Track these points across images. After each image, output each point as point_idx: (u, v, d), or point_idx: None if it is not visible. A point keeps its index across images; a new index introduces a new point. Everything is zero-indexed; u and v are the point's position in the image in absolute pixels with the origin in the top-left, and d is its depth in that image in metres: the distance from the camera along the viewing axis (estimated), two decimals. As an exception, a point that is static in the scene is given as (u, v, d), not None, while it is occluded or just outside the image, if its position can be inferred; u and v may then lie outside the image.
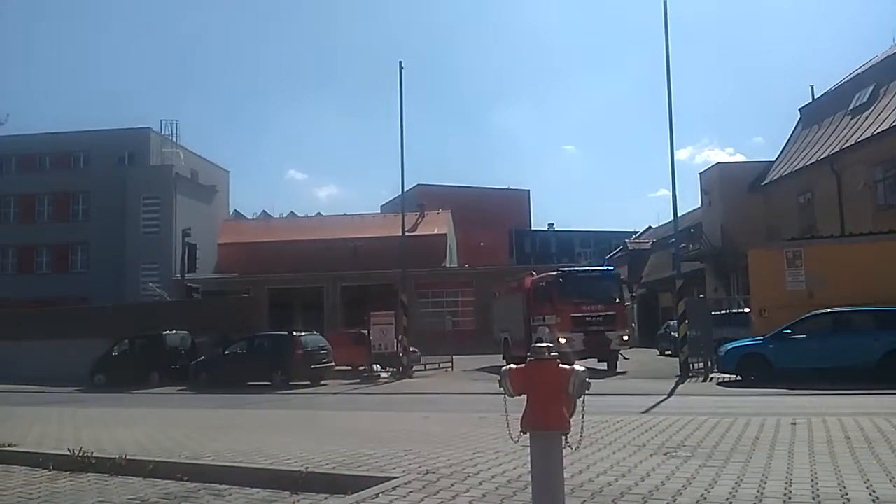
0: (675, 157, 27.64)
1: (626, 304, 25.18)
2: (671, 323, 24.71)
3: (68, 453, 6.98)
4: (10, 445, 7.64)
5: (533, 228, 73.81)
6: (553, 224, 74.64)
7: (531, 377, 3.58)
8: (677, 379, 17.47)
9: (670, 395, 14.37)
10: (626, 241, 54.35)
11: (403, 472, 5.70)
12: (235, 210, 61.98)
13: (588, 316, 21.30)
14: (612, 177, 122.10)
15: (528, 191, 78.78)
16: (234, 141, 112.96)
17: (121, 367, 24.05)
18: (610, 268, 25.67)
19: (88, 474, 6.63)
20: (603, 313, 21.46)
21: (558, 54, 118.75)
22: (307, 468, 5.99)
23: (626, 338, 22.07)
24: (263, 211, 65.35)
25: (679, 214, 21.18)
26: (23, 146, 44.99)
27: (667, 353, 26.61)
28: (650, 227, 57.51)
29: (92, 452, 6.92)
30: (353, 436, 8.00)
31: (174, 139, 50.41)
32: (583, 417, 3.57)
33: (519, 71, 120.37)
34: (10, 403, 15.64)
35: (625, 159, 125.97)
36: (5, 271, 45.77)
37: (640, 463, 5.86)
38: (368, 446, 7.08)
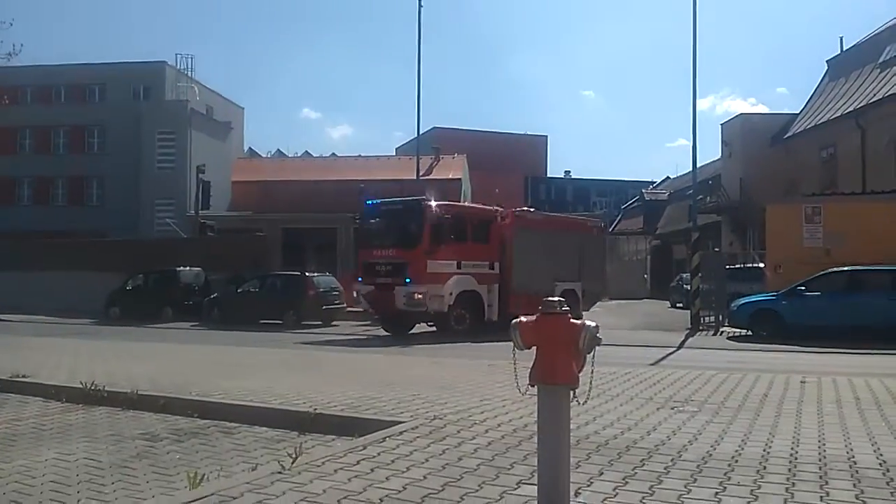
0: (696, 107, 27.05)
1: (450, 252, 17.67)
2: (684, 275, 24.64)
3: (81, 386, 7.08)
4: (24, 376, 7.77)
5: (549, 176, 73.19)
6: (570, 172, 74.11)
7: (541, 330, 3.53)
8: (688, 332, 17.49)
9: (680, 347, 14.40)
10: (643, 191, 53.93)
11: (411, 416, 5.73)
12: (250, 148, 61.79)
13: (378, 264, 17.52)
14: (630, 125, 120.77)
15: (546, 137, 77.82)
16: (249, 77, 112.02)
17: (135, 301, 24.40)
18: (421, 198, 18.63)
19: (101, 408, 6.73)
20: (392, 261, 17.25)
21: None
22: (316, 409, 6.04)
23: (419, 297, 16.58)
24: (278, 149, 65.24)
25: (698, 166, 20.88)
26: (38, 77, 44.63)
27: (678, 305, 26.61)
28: (668, 177, 56.95)
29: (104, 386, 7.01)
30: (361, 378, 8.07)
31: (189, 74, 49.90)
32: (592, 373, 3.53)
33: (540, 14, 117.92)
34: (25, 334, 15.92)
35: (644, 107, 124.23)
36: (21, 202, 46.02)
37: (647, 416, 5.87)
38: (376, 389, 7.14)
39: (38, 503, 4.03)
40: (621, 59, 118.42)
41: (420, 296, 16.76)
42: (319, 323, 21.04)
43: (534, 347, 3.59)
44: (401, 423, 5.49)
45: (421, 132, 26.02)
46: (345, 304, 22.18)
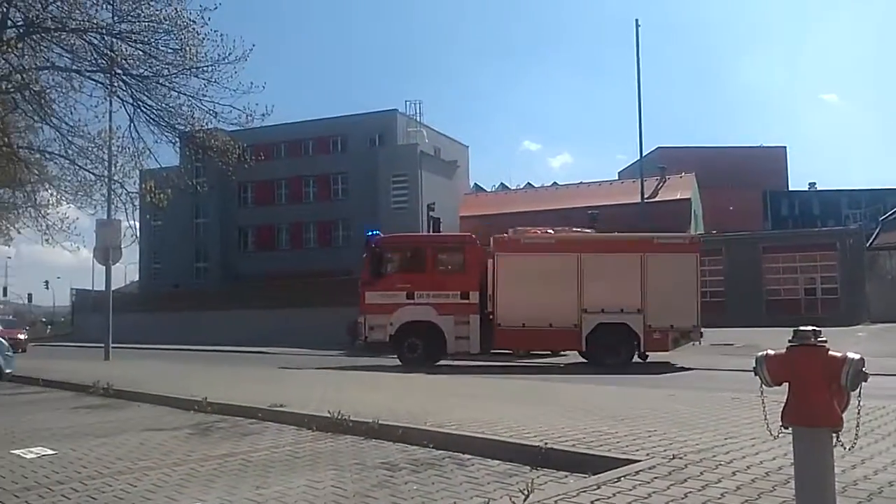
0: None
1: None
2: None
3: (329, 416, 7.59)
4: (280, 406, 8.51)
5: (790, 189, 67.38)
6: (814, 183, 67.69)
7: (794, 365, 3.14)
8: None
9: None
10: (906, 199, 47.60)
11: (647, 454, 5.41)
12: (475, 183, 64.08)
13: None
14: (883, 129, 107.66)
15: (784, 148, 72.01)
16: (471, 116, 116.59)
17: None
18: (370, 232, 19.10)
19: (346, 436, 7.16)
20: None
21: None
22: (546, 443, 5.92)
23: (359, 326, 17.66)
24: (501, 183, 66.92)
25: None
26: (288, 133, 50.00)
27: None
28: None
29: (349, 416, 7.46)
30: (592, 411, 7.81)
31: (418, 119, 53.15)
32: (858, 413, 3.07)
33: (766, 16, 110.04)
34: (282, 365, 17.61)
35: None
36: (280, 247, 51.61)
37: (932, 462, 5.01)
38: (609, 424, 6.86)
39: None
40: (865, 57, 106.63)
41: (360, 324, 17.72)
42: (549, 352, 20.88)
43: (785, 384, 3.21)
44: (636, 461, 5.19)
45: (644, 153, 25.13)
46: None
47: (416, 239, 20.76)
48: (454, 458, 6.11)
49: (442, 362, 17.96)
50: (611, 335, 16.72)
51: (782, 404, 3.18)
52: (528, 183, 64.39)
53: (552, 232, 18.91)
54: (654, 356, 17.19)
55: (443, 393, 10.24)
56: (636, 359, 17.20)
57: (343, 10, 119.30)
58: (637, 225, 27.66)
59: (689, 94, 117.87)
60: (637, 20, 22.66)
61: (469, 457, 6.10)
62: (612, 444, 5.86)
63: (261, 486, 5.29)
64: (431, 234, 21.23)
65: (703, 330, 16.68)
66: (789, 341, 3.14)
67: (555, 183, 60.39)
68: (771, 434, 3.27)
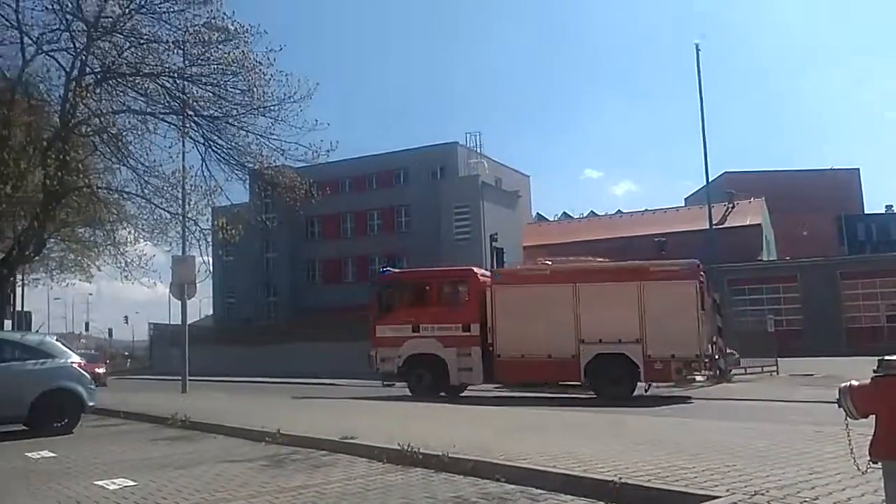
0: None
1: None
2: None
3: (398, 448, 7.62)
4: (351, 438, 8.59)
5: (866, 212, 64.80)
6: (892, 206, 64.88)
7: (881, 396, 3.03)
8: None
9: None
10: None
11: (727, 490, 5.24)
12: (538, 213, 63.94)
13: None
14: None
15: (857, 170, 69.42)
16: (531, 145, 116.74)
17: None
18: (383, 268, 21.69)
19: (417, 469, 7.18)
20: None
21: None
22: (620, 478, 5.81)
23: (372, 358, 18.44)
24: (563, 212, 66.58)
25: None
26: (352, 169, 51.06)
27: None
28: None
29: (419, 448, 7.47)
30: (665, 444, 7.62)
31: (478, 150, 53.55)
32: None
33: (833, 33, 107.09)
34: (351, 395, 17.76)
35: None
36: (346, 279, 52.41)
37: None
38: (684, 458, 6.68)
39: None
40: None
41: (373, 357, 18.43)
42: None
43: (871, 416, 3.09)
44: (716, 497, 5.04)
45: (710, 179, 24.66)
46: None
47: (421, 274, 21.37)
48: (526, 492, 6.05)
49: (482, 391, 18.21)
50: (610, 365, 16.42)
51: (869, 437, 3.07)
52: (591, 211, 63.92)
53: (549, 263, 19.20)
54: (724, 388, 16.65)
55: (508, 425, 10.14)
56: (639, 391, 16.89)
57: (401, 47, 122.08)
58: (706, 252, 27.02)
59: (752, 118, 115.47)
60: (697, 44, 22.49)
61: (541, 491, 6.03)
62: (690, 480, 5.71)
63: (334, 518, 5.34)
64: (434, 268, 22.08)
65: (779, 360, 16.02)
66: (874, 371, 3.04)
67: (619, 211, 59.79)
68: (859, 469, 3.16)
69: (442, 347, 17.68)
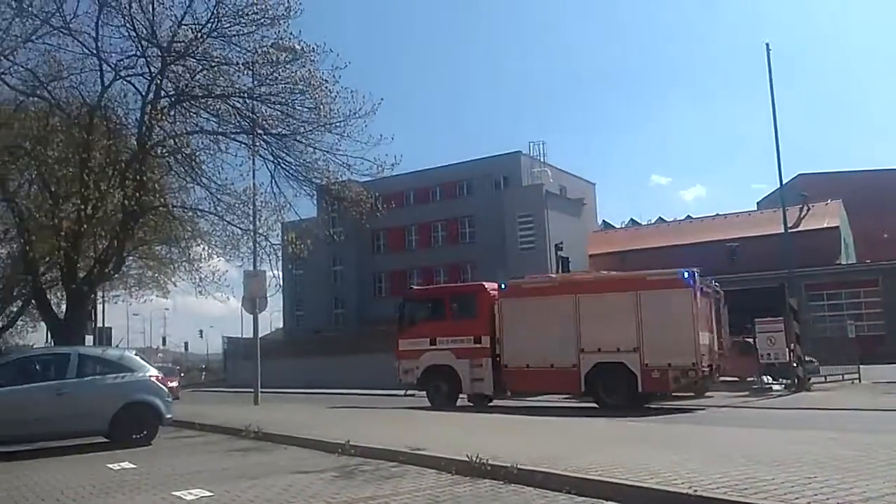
0: None
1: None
2: None
3: (467, 459, 7.60)
4: (419, 449, 8.61)
5: (955, 211, 61.41)
6: (983, 203, 61.37)
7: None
8: None
9: None
10: None
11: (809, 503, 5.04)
12: (604, 220, 63.05)
13: None
14: None
15: (942, 166, 65.84)
16: (595, 153, 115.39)
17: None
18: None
19: (485, 480, 7.14)
20: None
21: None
22: (695, 490, 5.64)
23: (396, 370, 19.40)
24: (631, 219, 65.52)
25: None
26: (416, 181, 51.52)
27: None
28: None
29: (487, 460, 7.44)
30: (743, 455, 7.35)
31: (542, 159, 53.28)
32: None
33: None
34: (412, 406, 17.84)
35: None
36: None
37: None
38: (763, 469, 6.44)
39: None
40: None
41: (396, 369, 19.47)
42: (692, 394, 19.96)
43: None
44: (797, 511, 4.85)
45: (784, 181, 23.89)
46: (717, 374, 20.83)
47: (436, 290, 23.62)
48: (597, 505, 5.95)
49: (509, 402, 18.28)
50: (609, 375, 16.55)
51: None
52: (660, 217, 62.65)
53: (554, 276, 20.21)
54: (805, 397, 16.01)
55: (574, 436, 10.01)
56: (637, 400, 16.62)
57: (462, 58, 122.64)
58: (781, 257, 26.14)
59: (825, 119, 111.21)
60: (767, 43, 21.81)
61: (612, 504, 5.92)
62: (769, 492, 5.50)
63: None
64: (449, 285, 23.59)
65: (861, 367, 15.29)
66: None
67: (688, 216, 58.38)
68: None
69: (455, 359, 18.55)
